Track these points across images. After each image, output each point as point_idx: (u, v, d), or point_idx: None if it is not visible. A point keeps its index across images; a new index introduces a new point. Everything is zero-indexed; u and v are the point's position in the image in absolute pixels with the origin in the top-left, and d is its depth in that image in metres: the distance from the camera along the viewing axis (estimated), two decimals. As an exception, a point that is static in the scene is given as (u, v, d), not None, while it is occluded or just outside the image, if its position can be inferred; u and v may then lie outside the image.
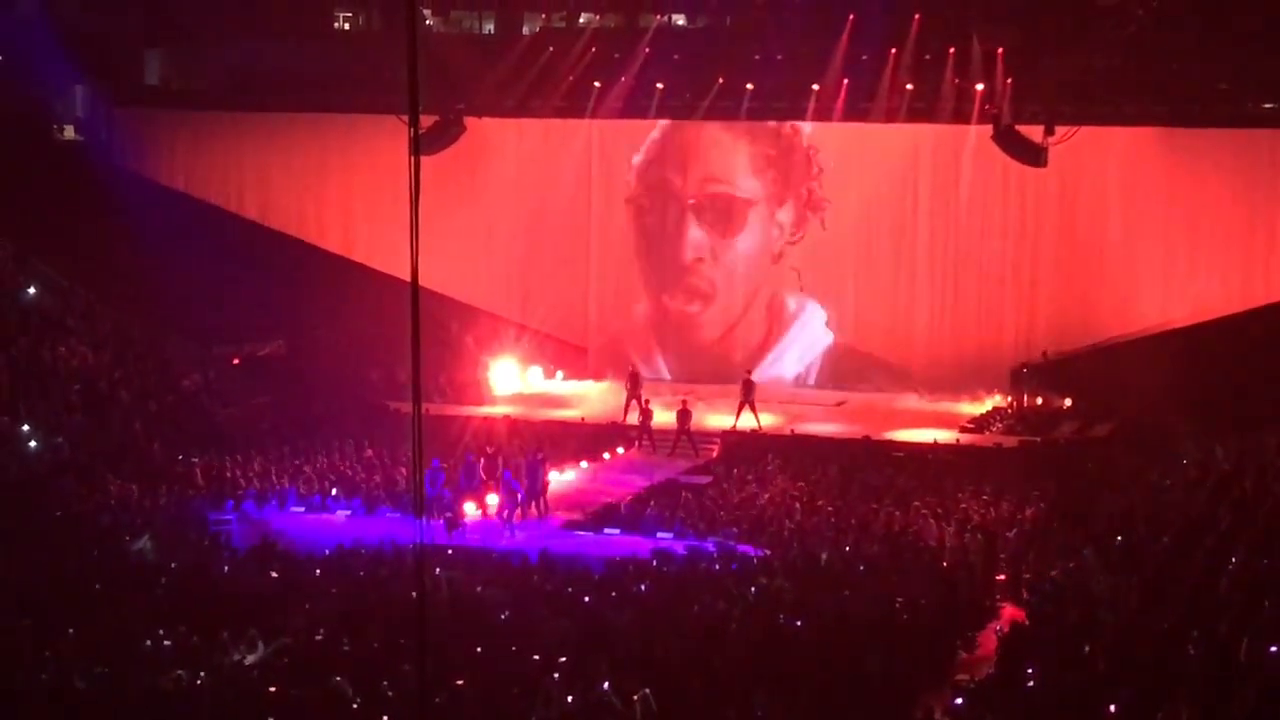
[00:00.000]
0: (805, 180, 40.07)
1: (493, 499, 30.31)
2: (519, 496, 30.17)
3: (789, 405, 37.82)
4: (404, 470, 31.23)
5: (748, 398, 35.95)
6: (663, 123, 40.51)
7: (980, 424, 35.98)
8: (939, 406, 37.51)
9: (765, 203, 40.33)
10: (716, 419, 36.39)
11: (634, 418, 36.00)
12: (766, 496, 29.93)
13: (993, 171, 38.17)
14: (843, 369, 40.24)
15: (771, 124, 39.82)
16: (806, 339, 40.63)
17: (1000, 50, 36.14)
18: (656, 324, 41.50)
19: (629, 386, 36.85)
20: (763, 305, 40.86)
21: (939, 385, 38.40)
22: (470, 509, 29.97)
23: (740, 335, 40.97)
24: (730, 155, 40.39)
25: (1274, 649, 17.92)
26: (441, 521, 28.58)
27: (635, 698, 18.22)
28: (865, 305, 40.35)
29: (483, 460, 31.51)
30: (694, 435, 35.26)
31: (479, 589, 23.32)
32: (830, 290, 40.41)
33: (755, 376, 37.20)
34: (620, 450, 35.42)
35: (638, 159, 41.14)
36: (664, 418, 35.72)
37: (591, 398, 39.24)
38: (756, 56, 38.77)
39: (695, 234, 40.69)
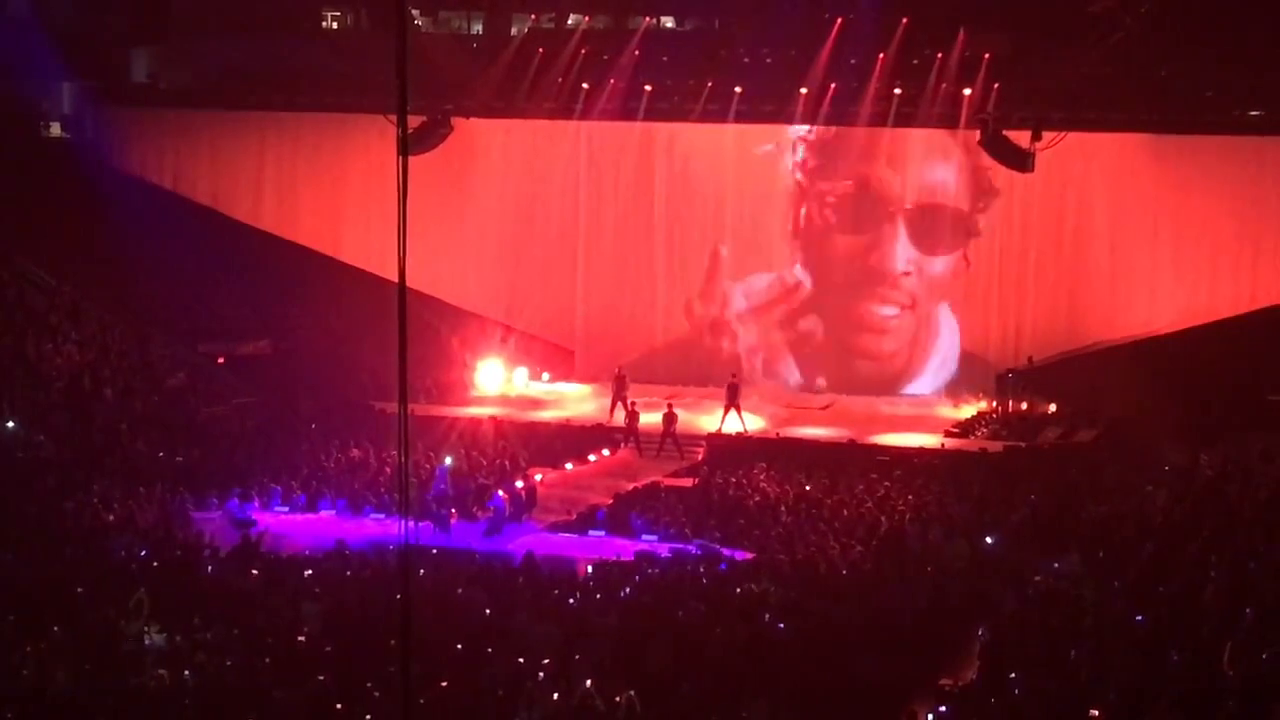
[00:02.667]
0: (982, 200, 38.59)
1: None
2: (513, 497, 30.25)
3: (775, 408, 37.79)
4: (388, 470, 31.20)
5: (733, 401, 35.94)
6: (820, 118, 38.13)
7: (965, 429, 35.98)
8: (924, 411, 37.55)
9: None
10: (704, 421, 36.40)
11: (620, 419, 36.00)
12: (752, 499, 29.91)
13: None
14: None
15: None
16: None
17: (987, 55, 36.19)
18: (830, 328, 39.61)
19: (615, 388, 36.79)
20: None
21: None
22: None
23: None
24: (947, 162, 38.17)
25: (1256, 655, 17.97)
26: (428, 523, 28.55)
27: (619, 700, 18.22)
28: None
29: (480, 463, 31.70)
30: (679, 438, 35.26)
31: (461, 590, 23.29)
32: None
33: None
34: (606, 452, 35.38)
35: (796, 156, 39.23)
36: (650, 420, 35.73)
37: (577, 399, 39.22)
38: (745, 59, 38.78)
39: (904, 247, 38.57)
